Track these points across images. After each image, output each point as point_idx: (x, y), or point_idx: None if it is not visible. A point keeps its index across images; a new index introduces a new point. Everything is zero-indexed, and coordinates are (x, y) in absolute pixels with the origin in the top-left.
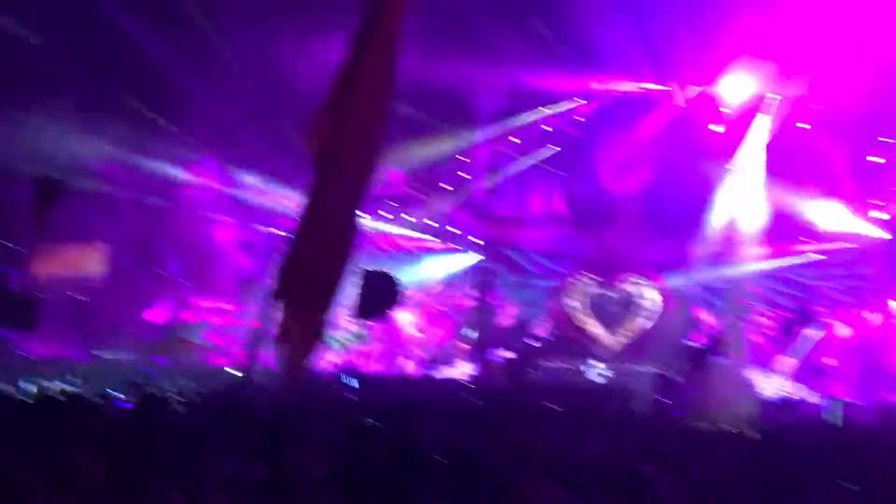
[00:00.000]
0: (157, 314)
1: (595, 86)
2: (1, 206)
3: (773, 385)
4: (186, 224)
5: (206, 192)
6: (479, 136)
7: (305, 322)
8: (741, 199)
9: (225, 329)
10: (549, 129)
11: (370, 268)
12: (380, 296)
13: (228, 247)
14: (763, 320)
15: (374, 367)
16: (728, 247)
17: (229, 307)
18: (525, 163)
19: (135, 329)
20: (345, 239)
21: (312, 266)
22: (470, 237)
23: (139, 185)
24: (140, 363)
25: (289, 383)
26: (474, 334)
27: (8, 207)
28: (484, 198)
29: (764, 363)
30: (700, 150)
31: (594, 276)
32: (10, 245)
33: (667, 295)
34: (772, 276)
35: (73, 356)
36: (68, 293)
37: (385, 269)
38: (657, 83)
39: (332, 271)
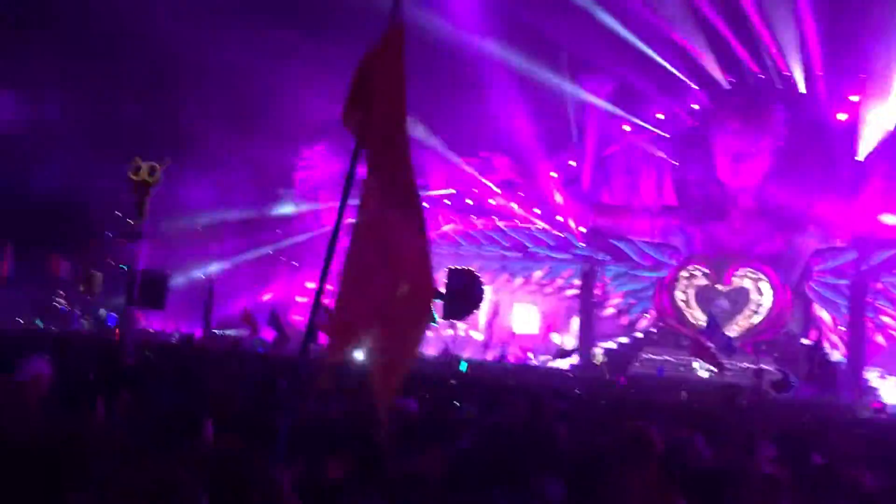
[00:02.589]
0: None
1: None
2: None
3: (892, 387)
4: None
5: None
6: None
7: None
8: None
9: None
10: (662, 116)
11: (455, 267)
12: (465, 294)
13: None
14: (887, 320)
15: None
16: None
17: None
18: (635, 148)
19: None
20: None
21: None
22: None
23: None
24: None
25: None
26: (570, 340)
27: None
28: (591, 185)
29: (886, 365)
30: (823, 143)
31: (704, 269)
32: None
33: (781, 291)
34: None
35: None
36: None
37: (469, 267)
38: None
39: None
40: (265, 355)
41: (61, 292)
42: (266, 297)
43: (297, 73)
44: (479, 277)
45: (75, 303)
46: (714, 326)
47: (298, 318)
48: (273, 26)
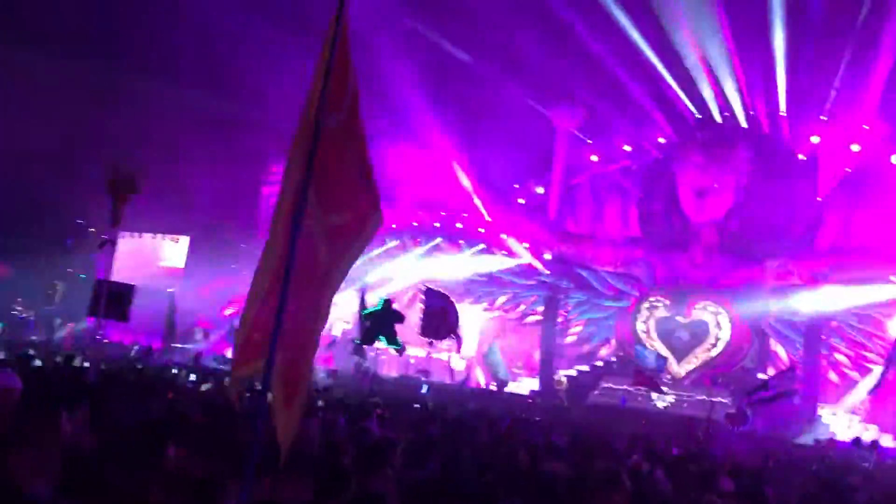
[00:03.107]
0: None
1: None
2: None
3: (843, 424)
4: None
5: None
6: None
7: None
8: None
9: None
10: (629, 147)
11: (431, 287)
12: (440, 318)
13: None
14: (840, 358)
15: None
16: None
17: None
18: (601, 179)
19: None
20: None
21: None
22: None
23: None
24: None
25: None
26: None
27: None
28: (557, 213)
29: (835, 401)
30: (785, 181)
31: (665, 301)
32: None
33: (740, 325)
34: (853, 313)
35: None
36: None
37: (443, 290)
38: (745, 109)
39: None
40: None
41: (19, 299)
42: (228, 311)
43: (266, 87)
44: (453, 301)
45: (31, 310)
46: (641, 355)
47: None
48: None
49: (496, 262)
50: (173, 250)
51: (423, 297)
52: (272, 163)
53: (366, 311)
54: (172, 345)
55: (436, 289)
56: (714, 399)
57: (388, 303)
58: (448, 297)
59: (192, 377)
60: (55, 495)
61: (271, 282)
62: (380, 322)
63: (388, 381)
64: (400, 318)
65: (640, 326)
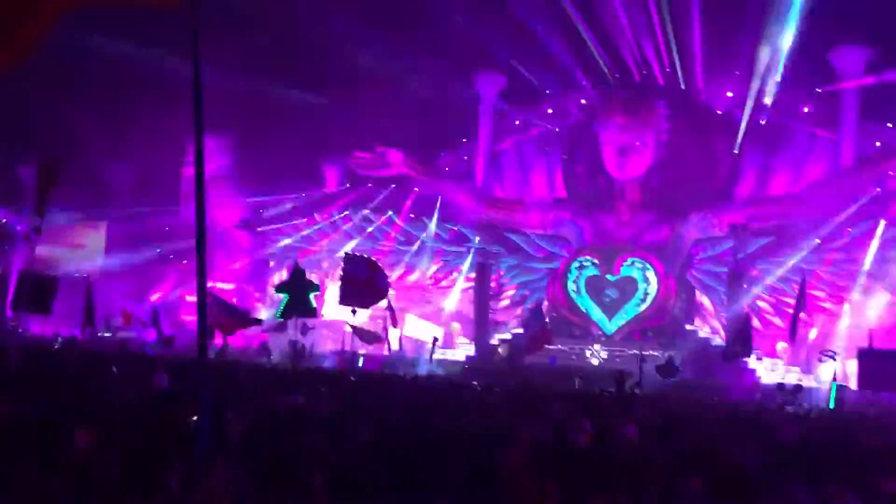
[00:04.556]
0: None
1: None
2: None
3: (769, 369)
4: (189, 205)
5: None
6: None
7: None
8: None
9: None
10: (552, 111)
11: (353, 254)
12: (365, 286)
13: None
14: (763, 305)
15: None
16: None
17: (228, 286)
18: (526, 143)
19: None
20: None
21: None
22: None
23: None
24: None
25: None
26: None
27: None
28: (484, 179)
29: (764, 348)
30: (703, 137)
31: (594, 260)
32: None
33: (666, 279)
34: (775, 262)
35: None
36: (75, 275)
37: (366, 255)
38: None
39: None
40: (152, 357)
41: None
42: (154, 296)
43: (179, 65)
44: (380, 268)
45: None
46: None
47: (190, 318)
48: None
49: (426, 230)
50: (91, 237)
51: (343, 264)
52: (189, 142)
53: (279, 286)
54: (97, 334)
55: (360, 255)
56: (646, 353)
57: (299, 273)
58: (375, 264)
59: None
60: None
61: None
62: (294, 294)
63: (320, 357)
64: (315, 287)
65: (570, 286)
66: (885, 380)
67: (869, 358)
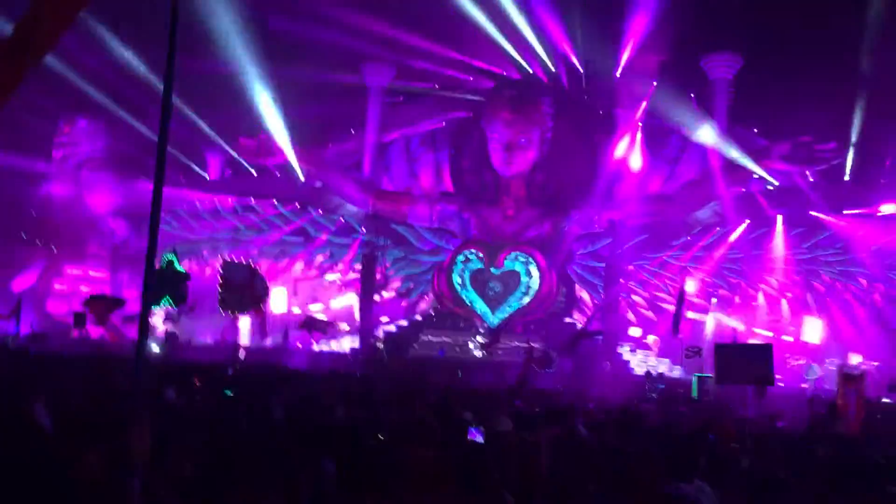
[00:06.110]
0: (24, 282)
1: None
2: None
3: (640, 360)
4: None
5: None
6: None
7: None
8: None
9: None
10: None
11: (231, 260)
12: (243, 290)
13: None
14: (637, 300)
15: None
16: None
17: (99, 274)
18: (414, 137)
19: None
20: None
21: None
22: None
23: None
24: None
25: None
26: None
27: None
28: (372, 171)
29: (635, 340)
30: (585, 135)
31: (479, 253)
32: None
33: (548, 273)
34: (648, 258)
35: None
36: None
37: (246, 262)
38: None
39: None
40: (17, 351)
41: None
42: (17, 284)
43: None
44: (259, 272)
45: None
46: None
47: (58, 310)
48: None
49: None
50: None
51: (221, 270)
52: (63, 122)
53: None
54: None
55: (237, 261)
56: (534, 345)
57: (171, 262)
58: (253, 269)
59: None
60: None
61: None
62: (165, 282)
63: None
64: (186, 276)
65: (456, 279)
66: (737, 374)
67: (723, 353)
